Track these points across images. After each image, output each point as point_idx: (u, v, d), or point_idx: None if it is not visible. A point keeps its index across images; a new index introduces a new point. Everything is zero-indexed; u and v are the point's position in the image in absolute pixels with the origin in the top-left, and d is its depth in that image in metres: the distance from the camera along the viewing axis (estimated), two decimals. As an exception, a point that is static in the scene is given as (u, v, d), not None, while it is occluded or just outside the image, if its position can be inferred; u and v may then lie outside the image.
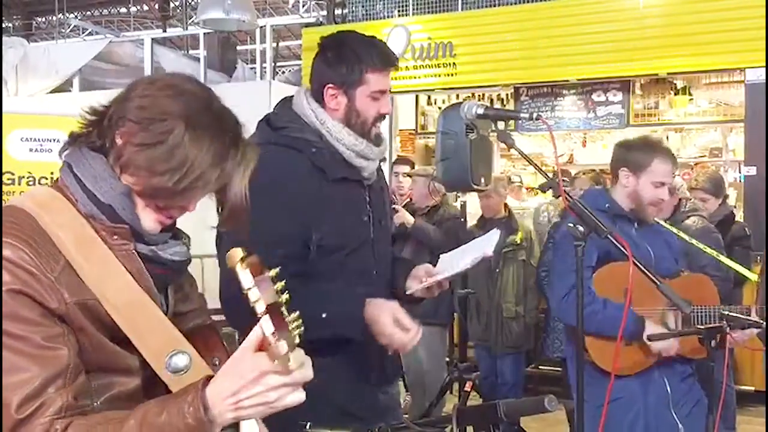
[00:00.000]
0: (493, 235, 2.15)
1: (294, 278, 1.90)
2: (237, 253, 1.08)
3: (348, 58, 2.06)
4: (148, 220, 1.29)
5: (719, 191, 4.78)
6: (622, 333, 2.54)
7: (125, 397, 1.26)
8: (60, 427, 1.13)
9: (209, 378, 1.15)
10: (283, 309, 1.07)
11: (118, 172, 1.27)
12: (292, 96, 2.17)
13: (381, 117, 2.13)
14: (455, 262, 2.12)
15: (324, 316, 1.90)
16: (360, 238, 2.11)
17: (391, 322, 1.92)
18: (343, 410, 2.02)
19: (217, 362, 1.29)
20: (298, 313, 1.08)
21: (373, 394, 2.17)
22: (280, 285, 1.09)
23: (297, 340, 1.08)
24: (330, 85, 2.07)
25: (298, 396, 1.14)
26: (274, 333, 1.06)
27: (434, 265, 2.15)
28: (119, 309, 1.22)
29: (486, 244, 2.11)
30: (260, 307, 1.06)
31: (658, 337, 2.59)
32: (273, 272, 1.09)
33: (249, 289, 1.07)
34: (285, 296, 1.09)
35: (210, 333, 1.37)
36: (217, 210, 1.34)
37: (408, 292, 2.11)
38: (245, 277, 1.07)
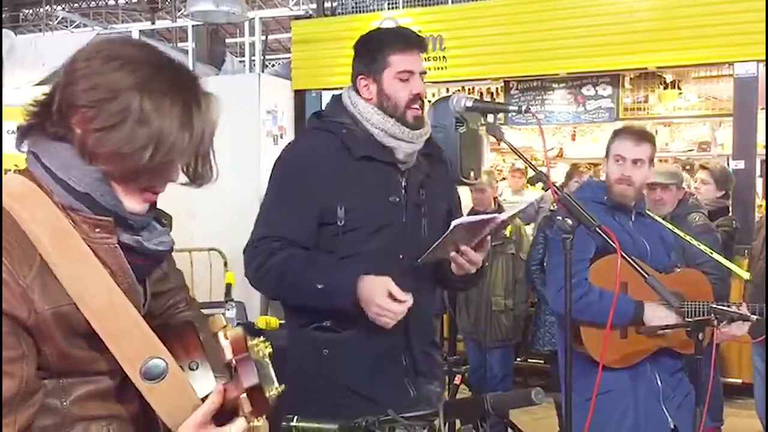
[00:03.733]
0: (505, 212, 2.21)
1: (300, 251, 2.07)
2: (219, 320, 1.12)
3: (371, 46, 2.21)
4: (133, 202, 1.20)
5: (722, 184, 4.86)
6: (621, 321, 2.57)
7: (97, 396, 1.20)
8: None
9: None
10: (266, 388, 1.11)
11: (87, 162, 1.17)
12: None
13: (415, 97, 2.18)
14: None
15: (320, 287, 2.02)
16: (386, 219, 2.14)
17: (383, 293, 1.98)
18: (362, 395, 2.05)
19: (195, 367, 1.21)
20: (276, 385, 1.14)
21: (400, 385, 2.16)
22: (262, 351, 1.15)
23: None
24: (361, 76, 2.20)
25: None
26: (252, 412, 1.10)
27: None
28: (95, 312, 1.13)
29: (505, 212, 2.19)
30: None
31: (646, 330, 2.60)
32: (256, 342, 1.15)
33: (229, 363, 1.12)
34: (266, 356, 1.14)
35: (188, 332, 1.27)
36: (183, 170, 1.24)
37: (419, 261, 2.11)
38: (227, 350, 1.11)
